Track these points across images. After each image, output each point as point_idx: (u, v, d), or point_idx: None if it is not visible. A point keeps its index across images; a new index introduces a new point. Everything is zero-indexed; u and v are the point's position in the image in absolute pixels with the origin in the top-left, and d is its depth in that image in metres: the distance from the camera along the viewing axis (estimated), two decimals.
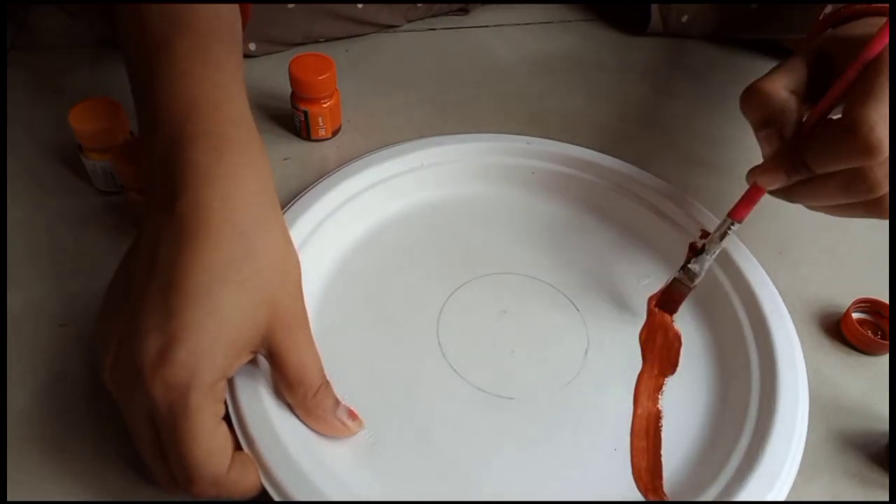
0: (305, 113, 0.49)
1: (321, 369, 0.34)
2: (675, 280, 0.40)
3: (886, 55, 0.32)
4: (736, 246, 0.43)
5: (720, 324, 0.41)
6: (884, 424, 0.38)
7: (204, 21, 0.36)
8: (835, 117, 0.34)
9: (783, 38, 0.60)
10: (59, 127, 0.48)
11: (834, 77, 0.35)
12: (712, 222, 0.44)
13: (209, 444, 0.29)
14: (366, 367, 0.38)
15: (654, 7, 0.61)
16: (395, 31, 0.62)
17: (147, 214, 0.33)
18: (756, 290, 0.40)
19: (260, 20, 0.54)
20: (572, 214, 0.47)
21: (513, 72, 0.59)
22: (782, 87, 0.36)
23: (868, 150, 0.31)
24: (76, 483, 0.33)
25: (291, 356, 0.32)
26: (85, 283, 0.41)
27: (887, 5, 0.37)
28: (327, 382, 0.34)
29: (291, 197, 0.44)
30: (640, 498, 0.34)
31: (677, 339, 0.40)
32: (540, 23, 0.64)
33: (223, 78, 0.35)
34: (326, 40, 0.59)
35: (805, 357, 0.38)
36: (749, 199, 0.37)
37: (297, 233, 0.40)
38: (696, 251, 0.40)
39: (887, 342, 0.40)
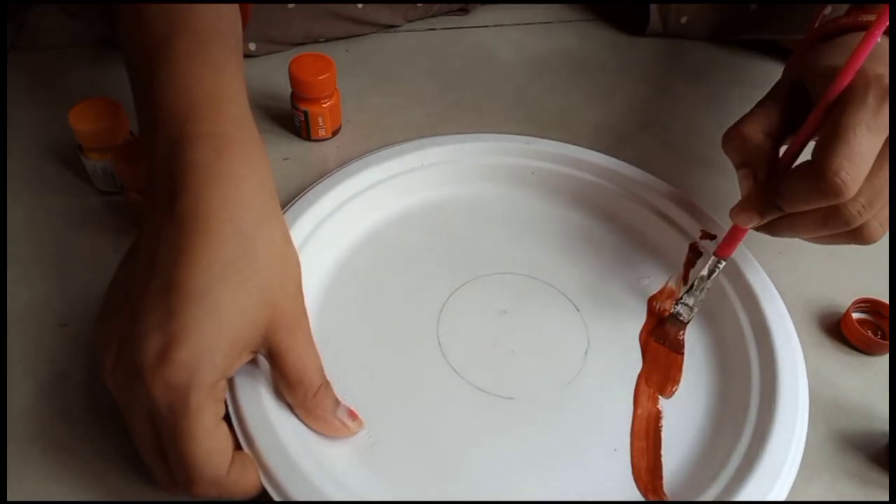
0: (305, 113, 0.49)
1: (321, 369, 0.34)
2: (670, 315, 0.41)
3: (852, 91, 0.33)
4: None
5: (720, 324, 0.41)
6: (884, 424, 0.38)
7: (204, 21, 0.36)
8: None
9: (783, 39, 0.60)
10: (59, 127, 0.48)
11: (810, 109, 0.35)
12: (712, 222, 0.44)
13: (209, 445, 0.29)
14: (366, 367, 0.38)
15: (654, 7, 0.61)
16: (395, 31, 0.62)
17: (147, 214, 0.33)
18: (756, 290, 0.40)
19: (260, 20, 0.54)
20: (572, 214, 0.47)
21: (513, 72, 0.59)
22: (759, 129, 0.37)
23: (834, 192, 0.32)
24: (76, 483, 0.33)
25: (291, 356, 0.32)
26: (85, 283, 0.41)
27: (871, 18, 0.37)
28: (327, 382, 0.34)
29: (291, 197, 0.44)
30: (640, 498, 0.34)
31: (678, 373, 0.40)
32: (540, 23, 0.64)
33: (223, 78, 0.35)
34: (326, 40, 0.59)
35: (805, 357, 0.38)
36: (733, 237, 0.38)
37: (297, 233, 0.40)
38: (696, 252, 0.40)
39: (887, 342, 0.40)
